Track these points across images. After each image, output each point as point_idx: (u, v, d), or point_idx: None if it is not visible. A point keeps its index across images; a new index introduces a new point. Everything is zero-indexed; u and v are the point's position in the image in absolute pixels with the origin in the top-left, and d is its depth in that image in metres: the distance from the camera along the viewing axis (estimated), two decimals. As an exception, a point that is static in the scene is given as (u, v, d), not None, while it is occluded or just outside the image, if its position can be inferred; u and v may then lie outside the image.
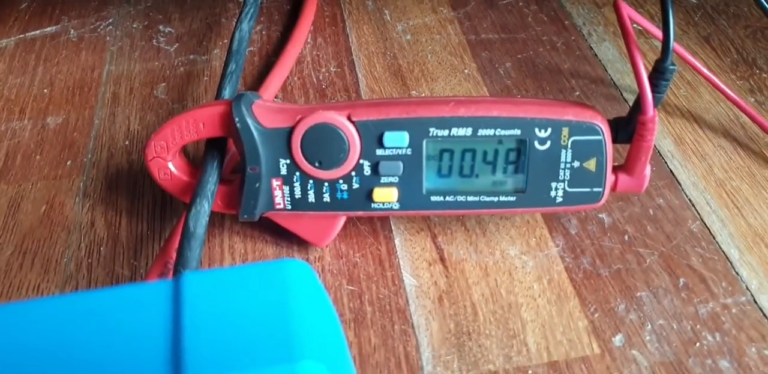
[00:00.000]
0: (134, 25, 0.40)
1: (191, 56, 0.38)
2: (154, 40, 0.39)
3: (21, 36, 0.39)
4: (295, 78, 0.36)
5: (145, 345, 0.13)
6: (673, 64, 0.24)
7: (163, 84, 0.36)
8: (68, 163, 0.32)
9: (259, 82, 0.35)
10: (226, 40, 0.39)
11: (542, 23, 0.41)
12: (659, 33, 0.24)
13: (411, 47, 0.39)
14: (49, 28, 0.40)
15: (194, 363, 0.12)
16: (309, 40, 0.39)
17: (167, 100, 0.35)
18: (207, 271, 0.14)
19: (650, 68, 0.24)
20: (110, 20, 0.40)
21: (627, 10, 0.24)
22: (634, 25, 0.24)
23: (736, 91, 0.37)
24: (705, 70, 0.33)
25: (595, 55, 0.39)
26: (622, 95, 0.37)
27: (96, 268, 0.27)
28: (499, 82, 0.37)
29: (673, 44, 0.23)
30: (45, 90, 0.36)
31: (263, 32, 0.40)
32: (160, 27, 0.40)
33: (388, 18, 0.41)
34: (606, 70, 0.38)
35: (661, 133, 0.35)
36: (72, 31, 0.39)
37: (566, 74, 0.38)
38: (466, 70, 0.38)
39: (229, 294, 0.13)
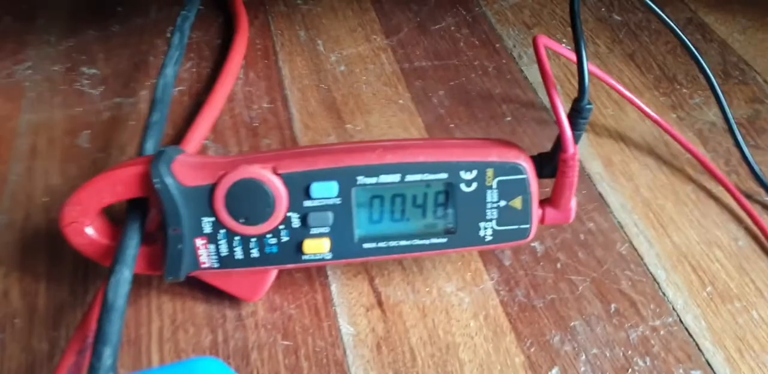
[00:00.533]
0: (54, 68, 0.39)
1: (117, 99, 0.37)
2: (77, 84, 0.38)
3: (-68, 85, 0.38)
4: (227, 117, 0.36)
5: None
6: (589, 104, 0.24)
7: (87, 131, 0.35)
8: (-17, 224, 0.31)
9: (189, 123, 0.34)
10: (153, 80, 0.38)
11: (474, 47, 0.42)
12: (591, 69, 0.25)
13: (345, 79, 0.39)
14: (-38, 75, 0.38)
15: None
16: (240, 75, 0.38)
17: (91, 149, 0.34)
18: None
19: (569, 108, 0.25)
20: (28, 64, 0.39)
21: (545, 42, 0.24)
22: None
23: (659, 108, 0.38)
24: (626, 93, 0.34)
25: (526, 77, 0.40)
26: (552, 117, 0.37)
27: (9, 345, 0.26)
28: (433, 112, 0.37)
29: (589, 80, 0.24)
30: (-43, 144, 0.34)
31: (193, 69, 0.39)
32: (84, 69, 0.39)
33: (322, 49, 0.41)
34: (536, 93, 0.39)
35: (590, 155, 0.36)
36: (-13, 77, 0.38)
37: (497, 99, 0.38)
38: (400, 101, 0.38)
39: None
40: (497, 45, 0.42)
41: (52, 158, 0.33)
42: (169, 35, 0.41)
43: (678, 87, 0.40)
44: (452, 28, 0.43)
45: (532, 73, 0.40)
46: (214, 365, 0.15)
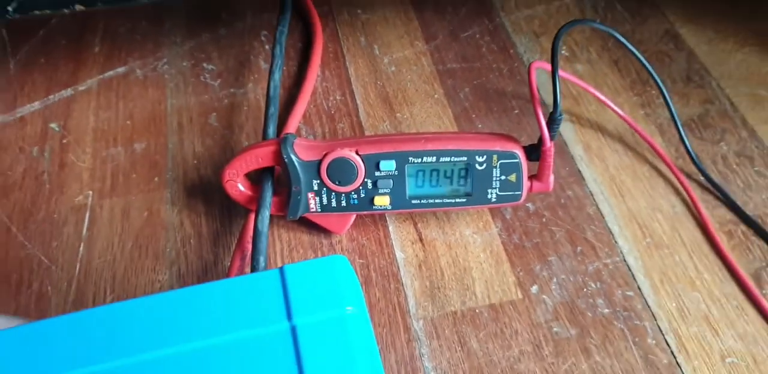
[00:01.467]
0: (184, 64, 0.52)
1: (231, 90, 0.50)
2: (201, 77, 0.51)
3: (100, 77, 0.52)
4: (312, 106, 0.49)
5: (266, 321, 0.26)
6: (560, 115, 0.37)
7: (214, 114, 0.49)
8: (156, 179, 0.45)
9: (286, 110, 0.48)
10: (256, 75, 0.51)
11: (493, 53, 0.54)
12: (567, 76, 0.37)
13: (395, 77, 0.52)
14: (120, 69, 0.52)
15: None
16: (318, 73, 0.52)
17: (219, 126, 0.48)
18: (297, 264, 0.28)
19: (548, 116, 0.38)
20: (165, 60, 0.53)
21: (538, 65, 0.37)
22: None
23: (631, 106, 0.51)
24: (601, 96, 0.47)
25: (532, 79, 0.52)
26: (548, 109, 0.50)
27: (190, 254, 0.41)
28: (460, 105, 0.50)
29: (561, 98, 0.36)
30: (128, 121, 0.49)
31: (284, 68, 0.52)
32: (204, 65, 0.52)
33: (377, 52, 0.54)
34: (539, 92, 0.52)
35: (574, 141, 0.49)
36: (137, 71, 0.52)
37: (509, 96, 0.51)
38: (435, 96, 0.51)
39: (313, 278, 0.27)
40: (511, 51, 0.55)
41: (193, 132, 0.47)
42: (263, 38, 0.55)
43: (648, 89, 0.52)
44: (477, 35, 0.56)
45: (538, 74, 0.53)
46: (341, 260, 0.29)
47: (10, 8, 0.36)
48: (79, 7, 0.37)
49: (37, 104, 0.50)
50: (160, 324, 0.27)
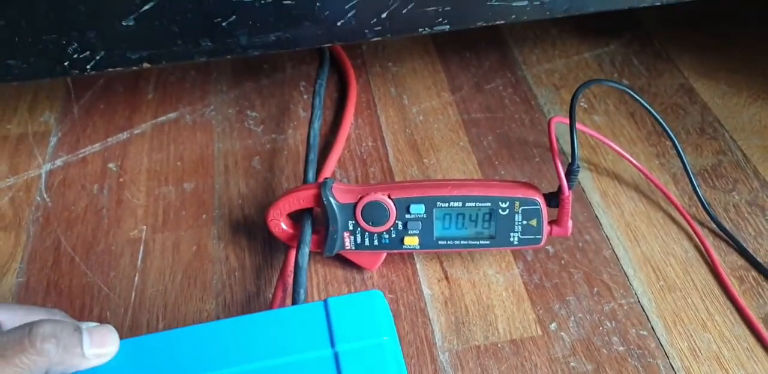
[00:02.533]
0: (229, 111, 0.57)
1: (273, 135, 0.55)
2: (245, 123, 0.56)
3: (153, 121, 0.57)
4: (346, 152, 0.54)
5: (312, 347, 0.29)
6: (578, 167, 0.41)
7: (257, 157, 0.53)
8: (203, 216, 0.49)
9: (322, 154, 0.52)
10: (295, 122, 0.56)
11: (515, 104, 0.58)
12: (584, 129, 0.41)
13: (423, 126, 0.56)
14: (171, 114, 0.57)
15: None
16: (352, 121, 0.56)
17: (261, 169, 0.52)
18: (339, 297, 0.31)
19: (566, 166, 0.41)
20: (212, 107, 0.58)
21: (557, 120, 0.41)
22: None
23: (647, 156, 0.54)
24: (617, 148, 0.50)
25: (552, 129, 0.56)
26: (567, 160, 0.54)
27: (234, 286, 0.45)
28: (484, 152, 0.54)
29: (579, 151, 0.40)
30: (178, 163, 0.53)
31: (321, 116, 0.57)
32: (248, 112, 0.57)
33: (406, 102, 0.58)
34: (558, 141, 0.55)
35: (592, 188, 0.52)
36: (187, 117, 0.57)
37: (530, 145, 0.55)
38: (460, 143, 0.55)
39: (353, 310, 0.30)
40: (533, 102, 0.59)
41: (238, 174, 0.52)
42: (302, 88, 0.59)
43: (663, 140, 0.55)
44: (500, 87, 0.60)
45: (557, 127, 0.56)
46: (378, 295, 0.32)
47: (88, 67, 0.41)
48: (146, 65, 0.42)
49: (97, 146, 0.55)
50: (217, 348, 0.30)
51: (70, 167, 0.53)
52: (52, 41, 0.41)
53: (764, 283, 0.45)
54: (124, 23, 0.41)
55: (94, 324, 0.29)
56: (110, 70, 0.42)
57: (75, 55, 0.42)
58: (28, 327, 0.27)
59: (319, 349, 0.29)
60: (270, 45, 0.44)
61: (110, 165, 0.53)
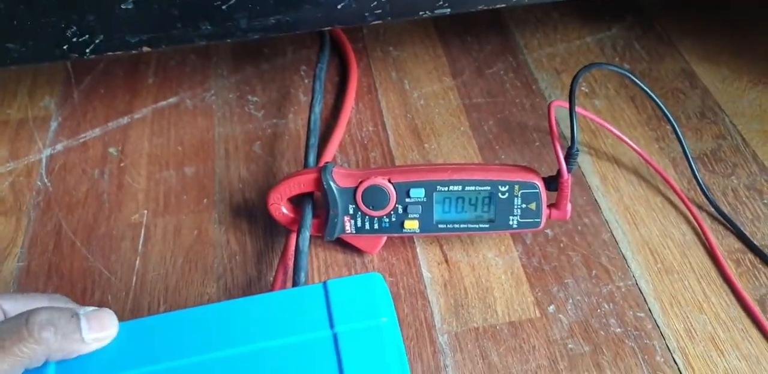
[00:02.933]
0: (230, 96, 0.57)
1: (274, 120, 0.55)
2: (246, 108, 0.56)
3: (154, 106, 0.57)
4: (347, 137, 0.54)
5: (311, 329, 0.29)
6: (577, 151, 0.41)
7: (258, 142, 0.53)
8: (204, 200, 0.49)
9: (323, 139, 0.52)
10: (296, 107, 0.56)
11: (516, 88, 0.58)
12: (585, 112, 0.41)
13: (424, 110, 0.56)
14: (171, 99, 0.57)
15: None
16: (353, 105, 0.56)
17: (262, 154, 0.52)
18: (338, 279, 0.31)
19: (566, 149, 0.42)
20: (212, 91, 0.58)
21: (557, 103, 0.41)
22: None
23: (646, 140, 0.54)
24: (617, 132, 0.50)
25: (552, 113, 0.56)
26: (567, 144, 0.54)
27: (235, 270, 0.45)
28: (484, 137, 0.54)
29: (579, 135, 0.40)
30: (179, 147, 0.53)
31: (322, 101, 0.57)
32: (249, 97, 0.57)
33: (407, 87, 0.58)
34: (559, 125, 0.55)
35: (591, 172, 0.52)
36: (188, 101, 0.57)
37: (531, 129, 0.55)
38: (461, 128, 0.55)
39: (353, 292, 0.31)
40: (533, 86, 0.59)
41: (239, 158, 0.52)
42: (302, 73, 0.59)
43: (663, 124, 0.55)
44: (501, 72, 0.60)
45: (557, 110, 0.56)
46: (377, 277, 0.32)
47: (87, 50, 0.41)
48: (146, 49, 0.42)
49: (97, 131, 0.55)
50: (217, 329, 0.30)
51: (71, 152, 0.53)
52: (51, 24, 0.41)
53: (760, 266, 0.45)
54: (123, 6, 0.41)
55: (92, 308, 0.30)
56: (110, 54, 0.42)
57: (74, 39, 0.42)
58: (25, 316, 0.27)
59: (318, 330, 0.30)
60: (270, 28, 0.44)
61: (111, 150, 0.53)
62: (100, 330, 0.29)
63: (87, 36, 0.42)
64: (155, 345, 0.30)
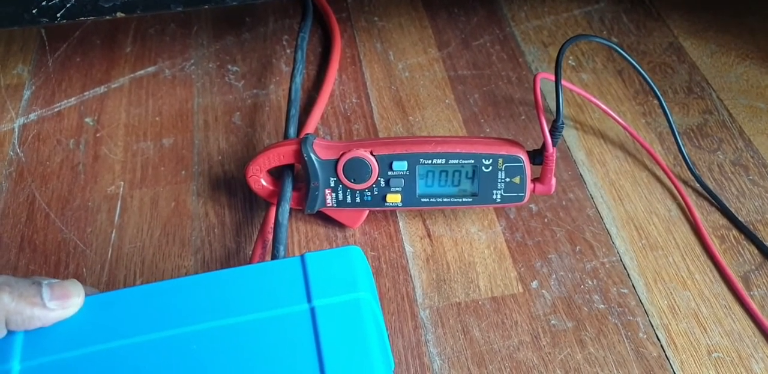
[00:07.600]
0: (210, 65, 0.55)
1: (254, 91, 0.53)
2: (226, 78, 0.54)
3: (131, 75, 0.55)
4: (329, 108, 0.52)
5: (288, 303, 0.29)
6: (562, 124, 0.40)
7: (238, 113, 0.52)
8: (183, 172, 0.48)
9: (305, 111, 0.51)
10: (278, 78, 0.54)
11: (503, 61, 0.57)
12: (571, 86, 0.40)
13: (408, 82, 0.55)
14: (150, 68, 0.55)
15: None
16: (336, 77, 0.55)
17: (242, 125, 0.51)
18: (316, 252, 0.31)
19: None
20: (192, 61, 0.56)
21: (543, 76, 0.40)
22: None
23: (633, 114, 0.54)
24: (603, 106, 0.50)
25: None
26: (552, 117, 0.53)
27: (213, 243, 0.44)
28: (469, 110, 0.53)
29: (563, 108, 0.39)
30: (157, 118, 0.52)
31: (304, 71, 0.55)
32: (229, 66, 0.55)
33: (392, 58, 0.57)
34: (545, 99, 0.54)
35: (577, 147, 0.51)
36: (166, 71, 0.55)
37: (516, 103, 0.54)
38: (446, 101, 0.54)
39: (331, 265, 0.30)
40: (520, 59, 0.58)
41: (218, 130, 0.50)
42: (284, 42, 0.58)
43: (650, 99, 0.55)
44: (488, 44, 0.59)
45: (543, 83, 0.55)
46: (356, 250, 0.32)
47: (58, 15, 0.39)
48: (120, 15, 0.40)
49: (73, 100, 0.53)
50: (192, 303, 0.30)
51: (45, 122, 0.51)
52: (18, -13, 0.39)
53: (744, 242, 0.45)
54: (94, -32, 0.39)
55: (57, 280, 0.29)
56: (82, 19, 0.40)
57: (43, 2, 0.40)
58: None
59: (296, 304, 0.29)
60: (249, -6, 0.43)
61: (87, 120, 0.52)
62: (62, 296, 0.28)
63: (57, 0, 0.40)
64: (130, 317, 0.29)
